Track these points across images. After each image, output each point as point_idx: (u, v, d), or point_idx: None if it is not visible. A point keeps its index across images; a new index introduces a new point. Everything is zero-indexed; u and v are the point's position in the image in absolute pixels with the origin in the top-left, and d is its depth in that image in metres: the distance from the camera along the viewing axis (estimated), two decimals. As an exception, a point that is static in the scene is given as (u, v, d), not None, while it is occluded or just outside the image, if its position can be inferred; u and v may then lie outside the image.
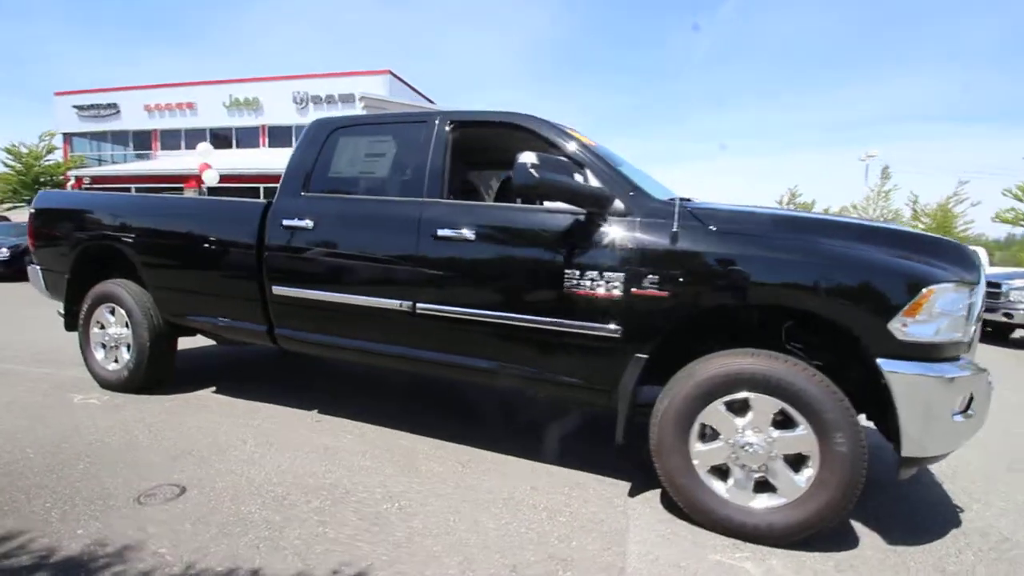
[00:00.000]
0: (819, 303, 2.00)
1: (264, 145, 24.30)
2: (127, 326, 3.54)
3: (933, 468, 2.90)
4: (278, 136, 24.21)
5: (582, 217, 2.33)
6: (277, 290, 2.94)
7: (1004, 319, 7.36)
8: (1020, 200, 17.68)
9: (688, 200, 2.46)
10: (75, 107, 26.23)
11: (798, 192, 31.71)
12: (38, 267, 3.99)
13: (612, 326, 2.23)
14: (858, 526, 2.26)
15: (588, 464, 2.71)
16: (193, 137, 25.35)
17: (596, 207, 2.28)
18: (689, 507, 2.15)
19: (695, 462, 2.14)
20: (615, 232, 2.25)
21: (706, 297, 2.13)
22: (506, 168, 3.96)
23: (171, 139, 25.64)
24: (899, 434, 1.94)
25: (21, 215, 23.74)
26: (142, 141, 26.14)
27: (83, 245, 3.65)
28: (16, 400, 3.38)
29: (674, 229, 2.15)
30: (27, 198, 22.76)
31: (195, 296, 3.31)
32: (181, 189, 20.14)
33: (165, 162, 23.01)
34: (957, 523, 2.37)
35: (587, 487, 2.48)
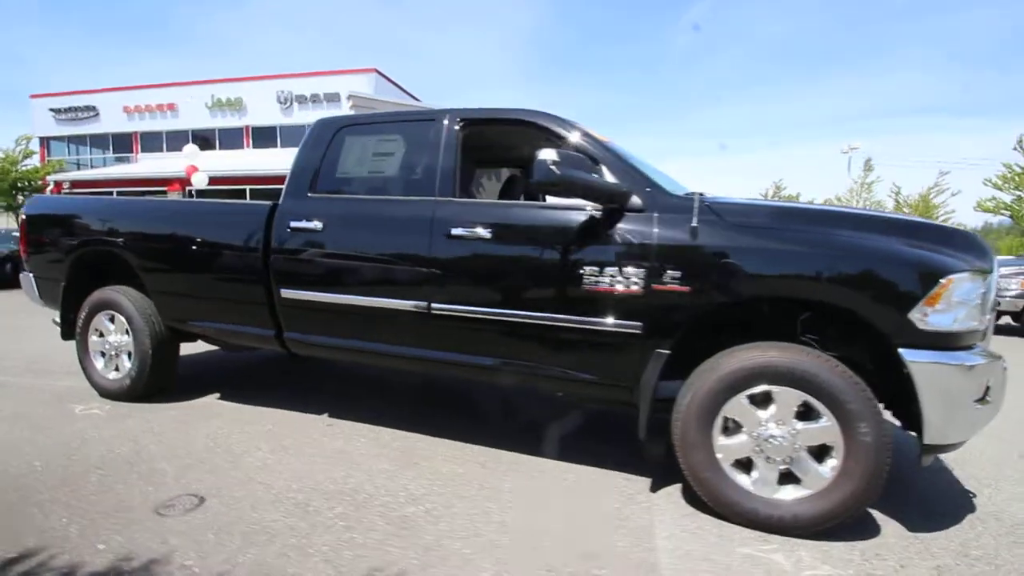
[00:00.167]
0: (841, 295, 2.02)
1: (248, 146, 23.94)
2: (127, 333, 3.46)
3: (941, 455, 2.95)
4: (262, 137, 23.86)
5: (599, 214, 2.33)
6: (286, 293, 2.89)
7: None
8: (1000, 190, 18.12)
9: (702, 195, 2.46)
10: (52, 110, 25.58)
11: (783, 185, 32.04)
12: (31, 275, 3.89)
13: (633, 322, 2.23)
14: (877, 514, 2.29)
15: (605, 461, 2.71)
16: (174, 139, 24.89)
17: (614, 203, 2.28)
18: (713, 501, 2.16)
19: (719, 456, 2.15)
20: (634, 228, 2.25)
21: (727, 291, 2.13)
22: (510, 165, 3.96)
23: (152, 142, 25.13)
24: (921, 422, 1.97)
25: (1, 222, 23.16)
26: (122, 144, 25.57)
27: (79, 251, 3.56)
28: (16, 412, 3.29)
29: (694, 224, 2.15)
30: (2, 204, 22.22)
31: (198, 301, 3.25)
32: (164, 192, 19.80)
33: (147, 165, 22.60)
34: (971, 508, 2.41)
35: (607, 484, 2.48)
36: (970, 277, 2.00)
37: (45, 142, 25.85)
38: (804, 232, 2.12)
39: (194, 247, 3.17)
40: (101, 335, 3.57)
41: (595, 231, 2.30)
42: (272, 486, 2.33)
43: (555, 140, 2.48)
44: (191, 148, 14.88)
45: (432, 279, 2.55)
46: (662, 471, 2.59)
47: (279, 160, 20.51)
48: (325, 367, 4.53)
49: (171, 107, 24.37)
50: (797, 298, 2.14)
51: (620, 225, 2.27)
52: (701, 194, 2.38)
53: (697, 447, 2.15)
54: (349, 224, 2.75)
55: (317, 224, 2.78)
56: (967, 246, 2.12)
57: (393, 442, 2.88)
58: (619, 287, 2.24)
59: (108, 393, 3.54)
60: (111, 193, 19.14)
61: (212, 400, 3.59)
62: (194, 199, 3.60)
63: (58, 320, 3.76)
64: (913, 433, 2.18)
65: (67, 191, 20.96)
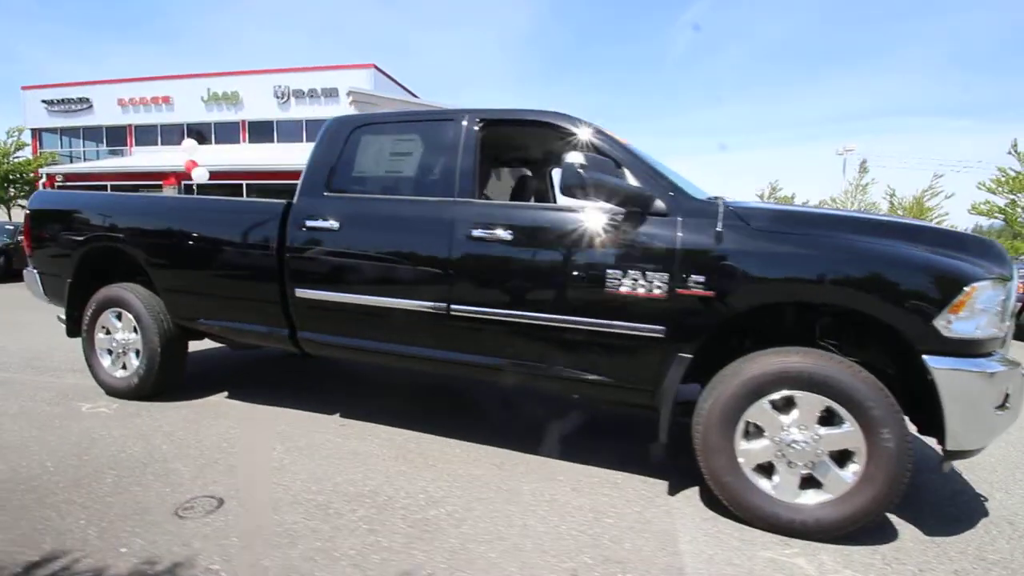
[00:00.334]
0: (866, 301, 2.03)
1: (244, 141, 23.73)
2: (135, 331, 3.43)
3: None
4: (258, 131, 23.65)
5: (621, 217, 2.32)
6: (300, 293, 2.87)
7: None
8: (994, 193, 18.31)
9: (724, 199, 2.46)
10: (44, 102, 25.23)
11: (778, 186, 32.17)
12: (36, 271, 3.83)
13: (656, 326, 2.22)
14: (893, 518, 2.31)
15: (622, 463, 2.71)
16: (169, 133, 24.64)
17: (638, 207, 2.27)
18: (735, 505, 2.16)
19: (740, 460, 2.15)
20: (657, 232, 2.25)
21: (752, 296, 2.14)
22: (519, 165, 3.94)
23: (146, 135, 24.85)
24: (943, 429, 1.98)
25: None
26: (116, 137, 25.27)
27: (86, 248, 3.51)
28: (22, 410, 3.25)
29: (719, 228, 2.15)
30: (-5, 196, 21.93)
31: (210, 299, 3.21)
32: (159, 186, 19.60)
33: (142, 158, 22.34)
34: (984, 512, 2.43)
35: (626, 487, 2.48)
36: (992, 284, 2.02)
37: (37, 134, 25.51)
38: (829, 238, 2.12)
39: (207, 245, 3.14)
40: (108, 333, 3.53)
41: (618, 234, 2.30)
42: (291, 488, 2.31)
43: (577, 142, 2.47)
44: (190, 142, 14.68)
45: (452, 280, 2.54)
46: (678, 474, 2.60)
47: (276, 155, 20.38)
48: (329, 365, 4.51)
49: (166, 100, 24.12)
50: (821, 304, 2.15)
51: (643, 229, 2.27)
52: (721, 198, 2.38)
53: (719, 452, 2.16)
54: (367, 224, 2.72)
55: (334, 224, 2.76)
56: (984, 252, 2.13)
57: (408, 443, 2.87)
58: (642, 291, 2.23)
59: (115, 391, 3.50)
60: (105, 187, 18.93)
61: (220, 399, 3.56)
62: (207, 197, 3.55)
63: (63, 317, 3.71)
64: (927, 438, 2.20)
65: (60, 184, 20.70)
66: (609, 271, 2.27)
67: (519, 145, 3.41)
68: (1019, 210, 17.96)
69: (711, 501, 2.31)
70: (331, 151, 2.92)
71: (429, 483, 2.41)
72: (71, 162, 24.41)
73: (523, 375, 2.55)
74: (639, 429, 3.27)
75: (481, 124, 2.66)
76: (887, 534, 2.18)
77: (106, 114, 24.82)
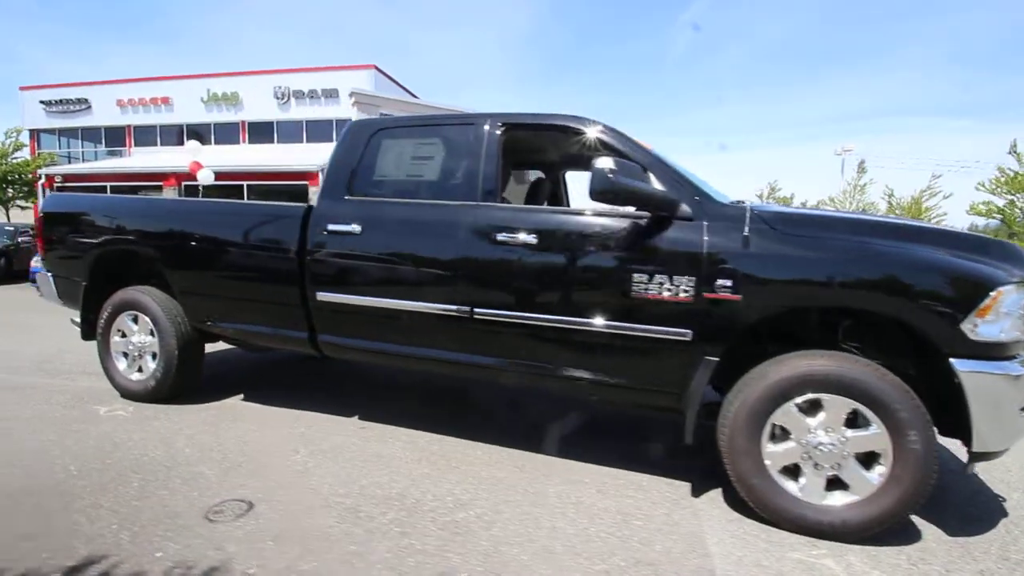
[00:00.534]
0: (893, 305, 2.05)
1: (244, 141, 23.67)
2: (152, 334, 3.43)
3: (961, 459, 3.00)
4: (258, 132, 23.59)
5: (646, 221, 2.34)
6: (322, 296, 2.87)
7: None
8: (993, 193, 18.41)
9: (748, 203, 2.48)
10: (42, 102, 25.11)
11: (777, 186, 32.28)
12: (49, 274, 3.82)
13: (682, 329, 2.24)
14: (916, 519, 2.32)
15: (643, 465, 2.73)
16: (168, 133, 24.56)
17: (664, 211, 2.29)
18: (761, 507, 2.18)
19: (767, 463, 2.17)
20: (684, 236, 2.26)
21: (779, 300, 2.15)
22: (534, 168, 3.96)
23: (145, 136, 24.75)
24: (970, 431, 2.00)
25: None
26: (115, 138, 25.16)
27: (102, 250, 3.51)
28: (38, 414, 3.24)
29: (746, 233, 2.17)
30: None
31: (229, 302, 3.22)
32: (160, 188, 19.56)
33: (141, 159, 22.26)
34: (1004, 513, 2.46)
35: (650, 489, 2.50)
36: (1016, 288, 2.04)
37: (35, 135, 25.39)
38: (855, 242, 2.14)
39: (227, 248, 3.14)
40: (124, 336, 3.53)
41: (644, 239, 2.31)
42: (319, 491, 2.32)
43: (601, 147, 2.49)
44: (193, 144, 14.62)
45: (475, 284, 2.55)
46: (700, 475, 2.61)
47: (276, 156, 20.35)
48: (341, 367, 4.51)
49: (165, 101, 24.02)
50: (847, 308, 2.17)
51: (669, 233, 2.28)
52: (744, 202, 2.40)
53: (746, 454, 2.17)
54: (389, 227, 2.73)
55: (355, 227, 2.77)
56: (1006, 256, 2.16)
57: (429, 445, 2.88)
58: (668, 294, 2.25)
59: (131, 394, 3.50)
60: (105, 188, 18.87)
61: (236, 401, 3.56)
62: (227, 200, 3.54)
63: (77, 320, 3.71)
64: (948, 439, 2.22)
65: (59, 185, 20.62)
66: (636, 275, 2.29)
67: (537, 149, 3.43)
68: (1017, 210, 18.07)
69: (735, 503, 2.33)
70: (352, 154, 2.93)
71: (455, 486, 2.42)
72: (69, 163, 24.31)
73: (547, 378, 2.56)
74: (656, 431, 3.28)
75: (503, 128, 2.67)
76: (911, 535, 2.20)
77: (105, 115, 24.72)
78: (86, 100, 24.77)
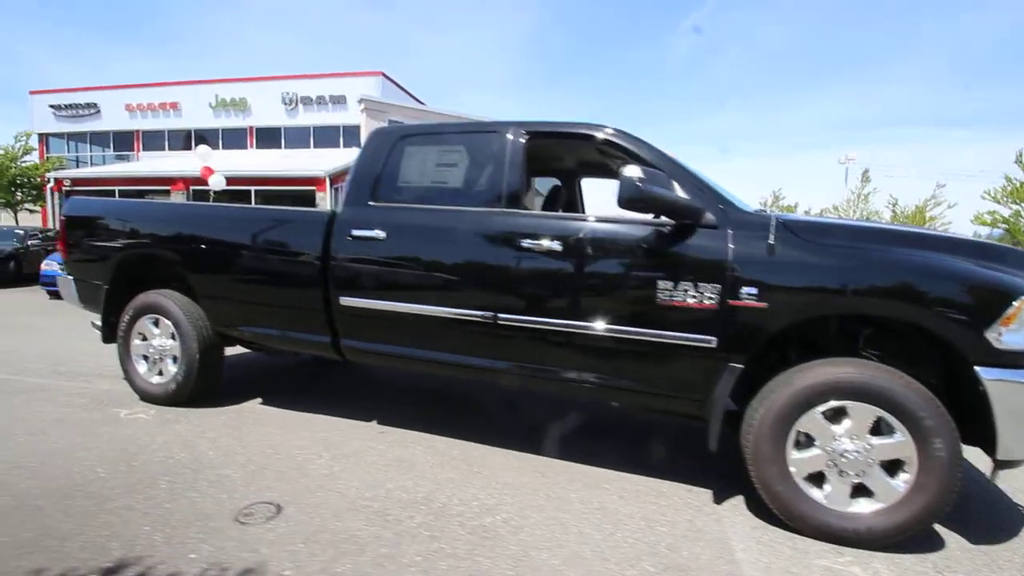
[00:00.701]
0: (918, 314, 2.07)
1: (251, 147, 23.83)
2: (173, 337, 3.46)
3: (980, 468, 3.01)
4: (266, 138, 23.75)
5: (668, 229, 2.37)
6: (345, 301, 2.90)
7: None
8: (999, 203, 18.40)
9: (773, 212, 2.52)
10: (52, 107, 25.32)
11: (781, 195, 32.31)
12: (71, 278, 3.87)
13: (707, 336, 2.26)
14: (938, 527, 2.33)
15: (659, 471, 2.74)
16: (176, 138, 24.76)
17: (689, 219, 2.32)
18: (786, 514, 2.19)
19: (792, 470, 2.18)
20: (709, 244, 2.29)
21: (804, 308, 2.18)
22: (551, 175, 3.99)
23: (153, 140, 24.94)
24: (995, 438, 2.02)
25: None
26: (123, 142, 25.35)
27: (124, 254, 3.56)
28: (62, 417, 3.27)
29: (771, 241, 2.19)
30: (2, 200, 21.96)
31: (252, 307, 3.25)
32: (167, 192, 19.68)
33: (149, 164, 22.41)
34: (1023, 521, 2.47)
35: (672, 495, 2.51)
36: (1039, 297, 2.06)
37: (44, 139, 25.59)
38: (879, 251, 2.17)
39: (251, 253, 3.18)
40: (144, 339, 3.56)
41: (669, 246, 2.34)
42: (345, 494, 2.34)
43: (626, 155, 2.52)
44: (204, 149, 14.72)
45: (500, 290, 2.58)
46: (720, 482, 2.63)
47: (283, 162, 20.48)
48: (356, 371, 4.54)
49: (174, 106, 24.22)
50: (871, 316, 2.19)
51: (694, 240, 2.31)
52: (765, 210, 2.43)
53: (771, 461, 2.19)
54: (414, 233, 2.77)
55: (380, 233, 2.80)
56: (1021, 264, 2.19)
57: (450, 450, 2.90)
58: (693, 301, 2.27)
59: (151, 397, 3.53)
60: (113, 192, 18.99)
61: (255, 405, 3.58)
62: (251, 206, 3.59)
63: (98, 323, 3.74)
64: (966, 448, 2.23)
65: (68, 189, 20.76)
66: (660, 282, 2.31)
67: (558, 156, 3.47)
68: (1023, 220, 18.04)
69: (758, 510, 2.34)
70: (376, 162, 2.97)
71: (479, 490, 2.44)
72: (77, 167, 24.49)
73: (569, 384, 2.58)
74: (672, 438, 3.30)
75: (528, 136, 2.71)
76: (934, 543, 2.21)
77: (113, 119, 24.91)
78: (95, 105, 24.99)
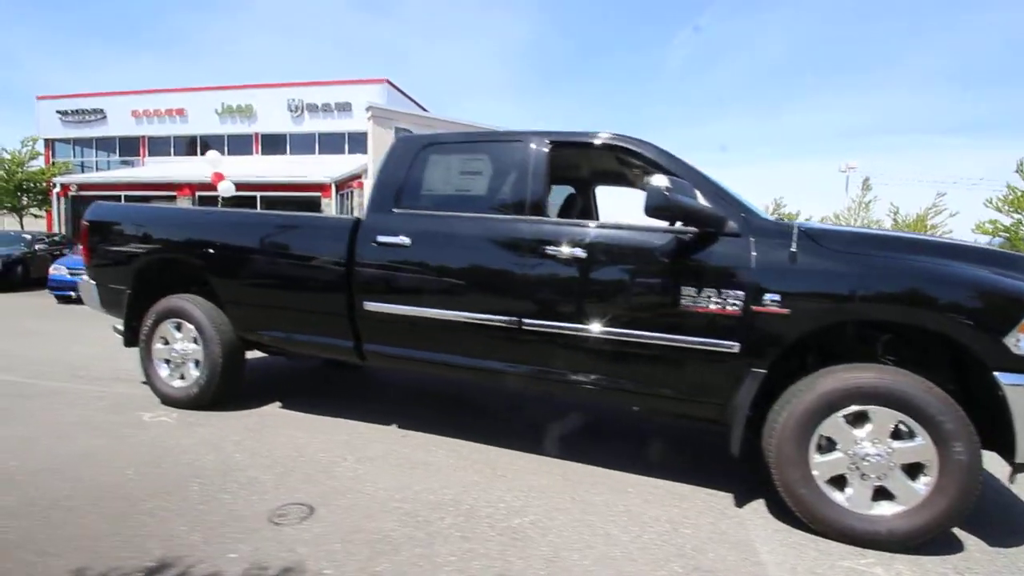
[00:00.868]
0: (938, 321, 2.12)
1: (257, 153, 23.99)
2: (196, 342, 3.50)
3: (994, 472, 3.04)
4: (271, 144, 23.91)
5: (690, 236, 2.42)
6: (369, 306, 2.96)
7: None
8: (1000, 211, 18.49)
9: (794, 220, 2.57)
10: (59, 112, 25.52)
11: (782, 202, 32.40)
12: (93, 283, 3.91)
13: (730, 342, 2.31)
14: (956, 530, 2.37)
15: (681, 475, 2.78)
16: (182, 144, 24.92)
17: (712, 227, 2.37)
18: (808, 517, 2.23)
19: (815, 473, 2.23)
20: (731, 251, 2.35)
21: (826, 314, 2.23)
22: (568, 184, 4.06)
23: (160, 146, 25.10)
24: (1014, 442, 2.06)
25: (4, 223, 23.00)
26: (129, 148, 25.52)
27: (148, 259, 3.61)
28: (83, 420, 3.31)
29: (793, 249, 2.25)
30: (8, 205, 22.07)
31: (275, 312, 3.30)
32: (174, 198, 19.79)
33: (155, 169, 22.53)
34: (1042, 525, 2.51)
35: (694, 499, 2.55)
36: (1056, 305, 2.11)
37: (50, 144, 25.75)
38: (900, 259, 2.22)
39: (275, 259, 3.23)
40: (166, 343, 3.61)
41: (692, 253, 2.40)
42: (376, 496, 2.38)
43: (650, 165, 2.58)
44: (213, 155, 14.84)
45: (524, 296, 2.63)
46: (740, 486, 2.67)
47: (289, 168, 20.59)
48: (371, 375, 4.58)
49: (180, 112, 24.40)
50: (891, 322, 2.24)
51: (717, 248, 2.37)
52: (782, 217, 2.49)
53: (793, 464, 2.23)
54: (439, 240, 2.82)
55: (405, 239, 2.86)
56: None
57: (472, 454, 2.94)
58: (716, 307, 2.33)
59: (172, 401, 3.57)
60: (119, 197, 19.07)
61: (276, 409, 3.63)
62: (276, 212, 3.64)
63: (120, 328, 3.79)
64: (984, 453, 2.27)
65: (74, 194, 20.87)
66: (684, 288, 2.37)
67: (577, 165, 3.54)
68: (1023, 230, 18.13)
69: (780, 513, 2.38)
70: (399, 169, 3.03)
71: (505, 493, 2.48)
72: (83, 172, 24.62)
73: (592, 389, 2.63)
74: (691, 442, 3.34)
75: (551, 146, 2.77)
76: (953, 545, 2.25)
77: (119, 125, 25.09)
78: (101, 110, 25.16)
